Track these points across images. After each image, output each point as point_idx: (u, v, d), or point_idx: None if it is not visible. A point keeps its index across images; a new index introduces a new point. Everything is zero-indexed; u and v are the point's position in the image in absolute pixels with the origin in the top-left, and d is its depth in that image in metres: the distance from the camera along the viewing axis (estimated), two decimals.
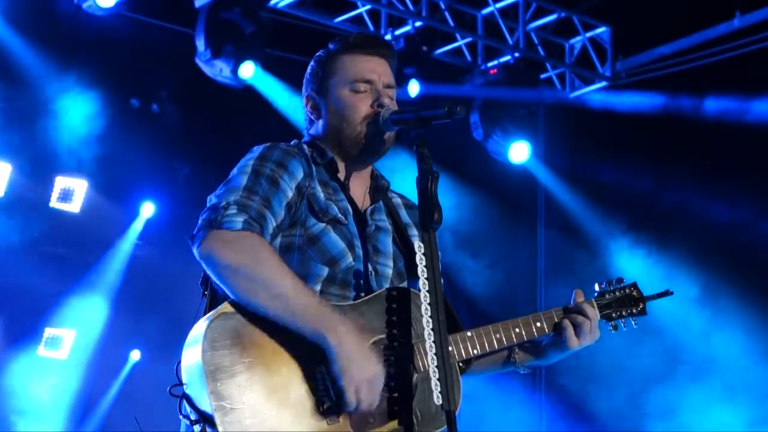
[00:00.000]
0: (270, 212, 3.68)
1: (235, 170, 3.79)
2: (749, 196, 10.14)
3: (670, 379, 10.58)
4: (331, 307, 3.59)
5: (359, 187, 4.03)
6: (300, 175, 3.82)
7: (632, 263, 10.99)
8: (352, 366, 3.49)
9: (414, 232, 4.08)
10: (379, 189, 4.07)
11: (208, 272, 3.62)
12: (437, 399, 3.39)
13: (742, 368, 10.26)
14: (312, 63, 4.11)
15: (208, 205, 3.69)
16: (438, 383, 3.39)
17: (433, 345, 3.43)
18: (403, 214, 4.13)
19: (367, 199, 4.04)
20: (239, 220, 3.58)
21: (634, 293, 4.26)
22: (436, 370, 3.40)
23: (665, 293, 4.29)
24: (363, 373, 3.50)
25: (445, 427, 3.59)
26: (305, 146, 3.97)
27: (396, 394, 3.63)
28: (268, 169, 3.75)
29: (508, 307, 11.53)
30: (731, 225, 10.14)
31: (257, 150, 3.85)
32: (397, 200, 4.18)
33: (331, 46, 4.07)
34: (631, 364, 10.58)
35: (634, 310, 4.24)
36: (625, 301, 4.23)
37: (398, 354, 3.66)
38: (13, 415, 10.66)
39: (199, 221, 3.64)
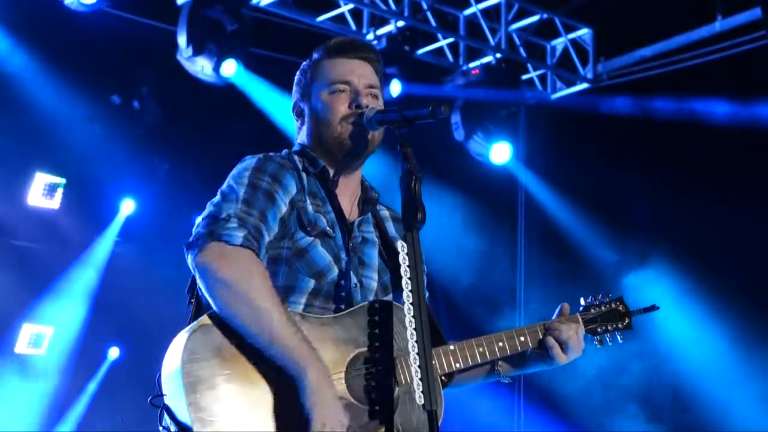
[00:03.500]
0: (265, 227, 3.69)
1: (230, 181, 3.79)
2: (728, 199, 10.17)
3: (647, 380, 10.61)
4: (312, 347, 3.55)
5: (348, 198, 4.03)
6: (293, 189, 3.82)
7: (611, 264, 11.03)
8: (324, 403, 3.47)
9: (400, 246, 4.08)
10: (368, 200, 4.08)
11: (199, 281, 3.60)
12: (419, 399, 3.38)
13: (725, 373, 10.30)
14: (298, 73, 4.14)
15: (205, 213, 3.69)
16: (420, 383, 3.39)
17: (416, 345, 3.43)
18: (390, 227, 4.13)
19: (356, 210, 4.04)
20: (239, 234, 3.59)
21: (620, 308, 4.25)
22: (419, 370, 3.40)
23: (651, 308, 4.29)
24: (332, 412, 3.48)
25: None
26: (296, 156, 3.97)
27: (377, 408, 3.63)
28: (264, 183, 3.75)
29: (488, 308, 11.55)
30: (715, 228, 10.17)
31: (252, 161, 3.84)
32: (385, 213, 4.18)
33: (314, 54, 4.11)
34: (610, 365, 10.60)
35: (620, 325, 4.23)
36: (611, 316, 4.23)
37: (379, 367, 3.66)
38: None
39: (198, 229, 3.64)
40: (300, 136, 4.08)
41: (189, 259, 3.62)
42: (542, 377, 11.52)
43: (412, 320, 3.46)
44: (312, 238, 3.80)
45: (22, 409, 10.81)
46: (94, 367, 11.54)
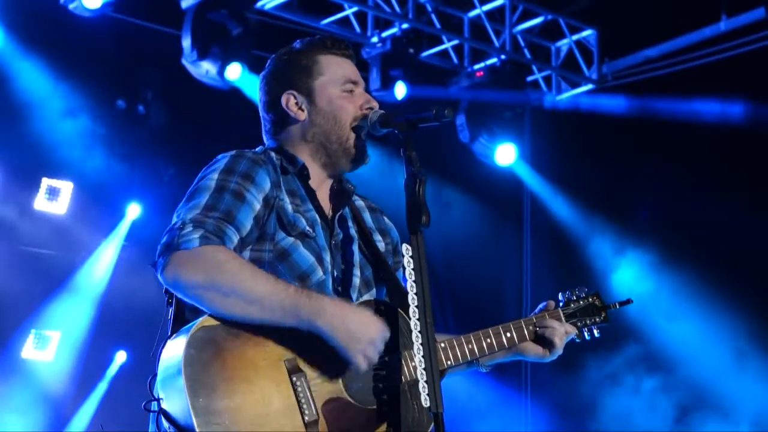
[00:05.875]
0: (232, 225, 3.63)
1: (195, 185, 3.73)
2: (733, 197, 10.15)
3: (655, 379, 10.60)
4: (306, 291, 3.55)
5: (326, 193, 4.00)
6: (267, 186, 3.76)
7: (616, 265, 11.01)
8: (351, 338, 3.49)
9: (378, 238, 4.08)
10: (344, 192, 4.03)
11: (178, 294, 3.58)
12: (425, 401, 3.39)
13: (728, 371, 10.29)
14: (284, 61, 4.04)
15: (168, 227, 3.64)
16: (426, 386, 3.39)
17: (421, 348, 3.43)
18: (367, 218, 4.11)
19: (333, 204, 4.00)
20: (195, 237, 3.53)
21: (596, 302, 4.28)
22: (424, 372, 3.40)
23: (626, 302, 4.32)
24: (362, 340, 3.50)
25: None
26: (273, 153, 3.92)
27: (375, 407, 3.64)
28: (233, 184, 3.70)
29: (494, 311, 11.54)
30: (718, 227, 10.15)
31: (222, 161, 3.78)
32: (360, 203, 4.15)
33: (303, 47, 4.03)
34: (616, 363, 10.59)
35: (597, 319, 4.26)
36: (589, 311, 4.26)
37: (376, 366, 3.65)
38: None
39: (159, 246, 3.59)
40: (284, 132, 4.00)
41: (159, 278, 3.58)
42: (550, 377, 11.52)
43: (417, 323, 3.47)
44: (293, 239, 3.76)
45: (30, 413, 10.81)
46: (101, 371, 11.54)
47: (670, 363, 10.58)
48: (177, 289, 3.55)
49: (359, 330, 3.51)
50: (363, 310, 3.59)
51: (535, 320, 4.14)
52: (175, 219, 3.65)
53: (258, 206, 3.71)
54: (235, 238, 3.63)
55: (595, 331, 4.25)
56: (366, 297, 3.90)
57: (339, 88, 3.95)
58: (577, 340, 4.23)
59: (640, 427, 10.57)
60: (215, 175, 3.73)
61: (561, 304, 4.24)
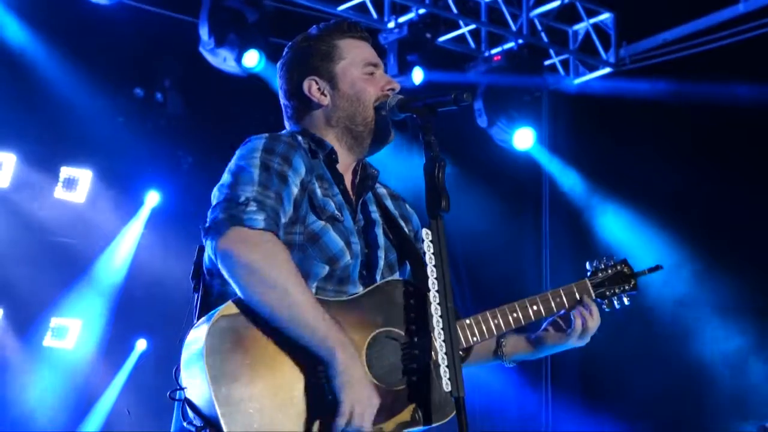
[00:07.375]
0: (282, 209, 3.64)
1: (240, 162, 3.72)
2: (749, 180, 10.14)
3: (682, 373, 10.59)
4: (340, 328, 3.54)
5: (350, 178, 4.00)
6: (303, 170, 3.77)
7: (637, 246, 11.00)
8: (354, 383, 3.47)
9: (401, 223, 4.08)
10: (368, 177, 4.04)
11: (221, 267, 3.54)
12: (446, 386, 3.40)
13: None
14: (303, 48, 4.04)
15: (220, 197, 3.64)
16: (447, 370, 3.39)
17: (442, 332, 3.44)
18: (389, 205, 4.11)
19: (357, 188, 4.01)
20: (260, 218, 3.54)
21: (625, 270, 4.27)
22: (445, 357, 3.40)
23: (656, 268, 4.31)
24: (363, 393, 3.48)
25: (449, 418, 3.62)
26: (299, 137, 3.91)
27: (400, 388, 3.64)
28: (276, 164, 3.69)
29: (514, 295, 11.50)
30: (734, 209, 10.14)
31: (259, 142, 3.77)
32: (382, 190, 4.16)
33: (320, 32, 4.03)
34: (641, 357, 10.57)
35: (627, 287, 4.25)
36: (617, 279, 4.25)
37: (400, 347, 3.67)
38: (19, 406, 10.66)
39: (216, 213, 3.59)
40: (309, 117, 4.00)
41: (209, 245, 3.57)
42: (570, 373, 11.53)
43: (438, 307, 3.47)
44: (323, 223, 3.76)
45: (52, 402, 10.86)
46: (122, 359, 11.58)
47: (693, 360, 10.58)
48: (224, 260, 3.52)
49: (363, 386, 3.50)
50: (367, 384, 3.54)
51: (562, 292, 4.14)
52: (226, 192, 3.63)
53: (296, 190, 3.72)
54: (282, 222, 3.65)
55: (625, 299, 4.24)
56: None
57: (360, 71, 3.96)
58: (607, 309, 4.22)
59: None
60: (257, 154, 3.72)
61: (588, 273, 4.23)
